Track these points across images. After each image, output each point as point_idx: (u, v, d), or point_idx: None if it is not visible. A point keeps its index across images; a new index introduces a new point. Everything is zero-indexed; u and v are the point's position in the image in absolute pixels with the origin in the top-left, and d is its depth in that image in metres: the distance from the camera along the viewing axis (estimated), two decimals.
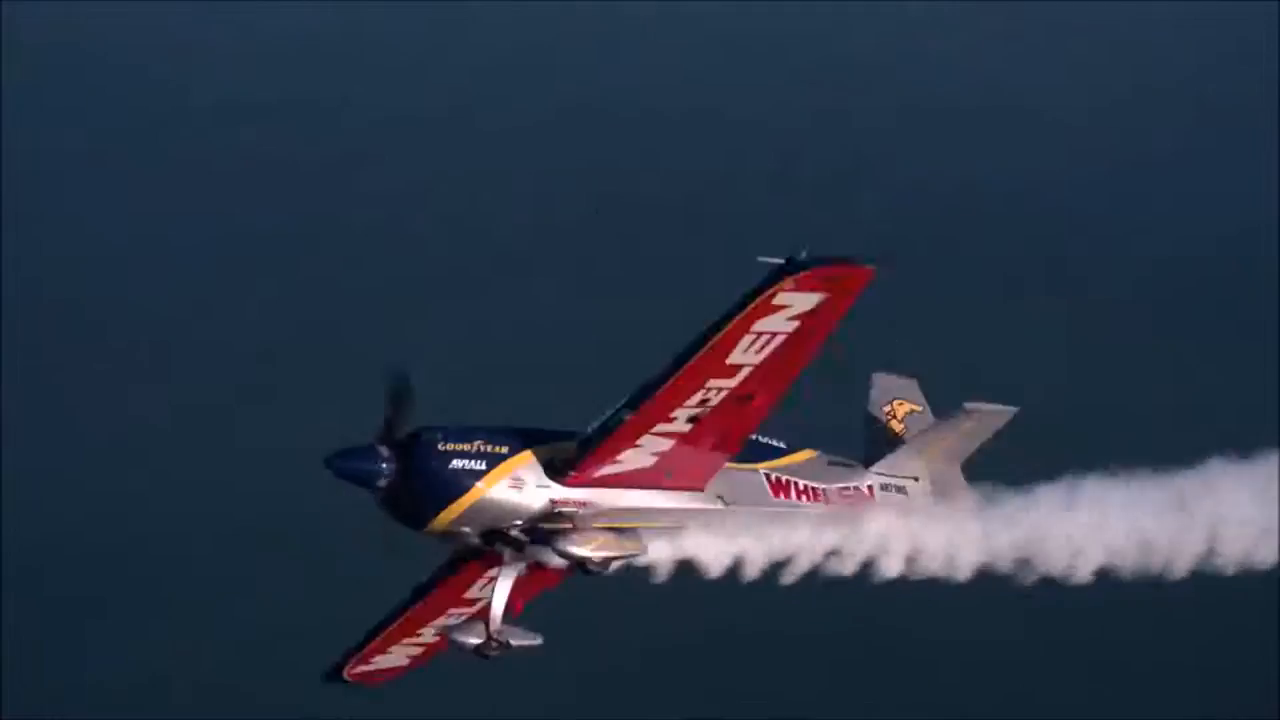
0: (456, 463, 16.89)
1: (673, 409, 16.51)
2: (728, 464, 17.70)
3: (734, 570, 18.15)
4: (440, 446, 16.97)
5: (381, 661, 20.98)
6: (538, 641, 19.09)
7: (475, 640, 18.85)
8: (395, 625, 20.11)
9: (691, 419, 16.55)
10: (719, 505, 17.60)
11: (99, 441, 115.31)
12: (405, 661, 21.24)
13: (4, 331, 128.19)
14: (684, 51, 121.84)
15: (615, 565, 17.37)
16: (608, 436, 16.89)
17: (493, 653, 18.83)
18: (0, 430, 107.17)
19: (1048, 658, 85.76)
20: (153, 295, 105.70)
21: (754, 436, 17.85)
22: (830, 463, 19.00)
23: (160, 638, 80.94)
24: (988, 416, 19.51)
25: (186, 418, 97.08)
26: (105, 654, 79.83)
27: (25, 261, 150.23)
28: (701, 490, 17.37)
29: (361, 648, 20.74)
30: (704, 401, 16.47)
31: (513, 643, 18.70)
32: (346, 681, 21.59)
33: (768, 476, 17.98)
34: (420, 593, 19.77)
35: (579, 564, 17.27)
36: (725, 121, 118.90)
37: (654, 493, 17.30)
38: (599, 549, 17.02)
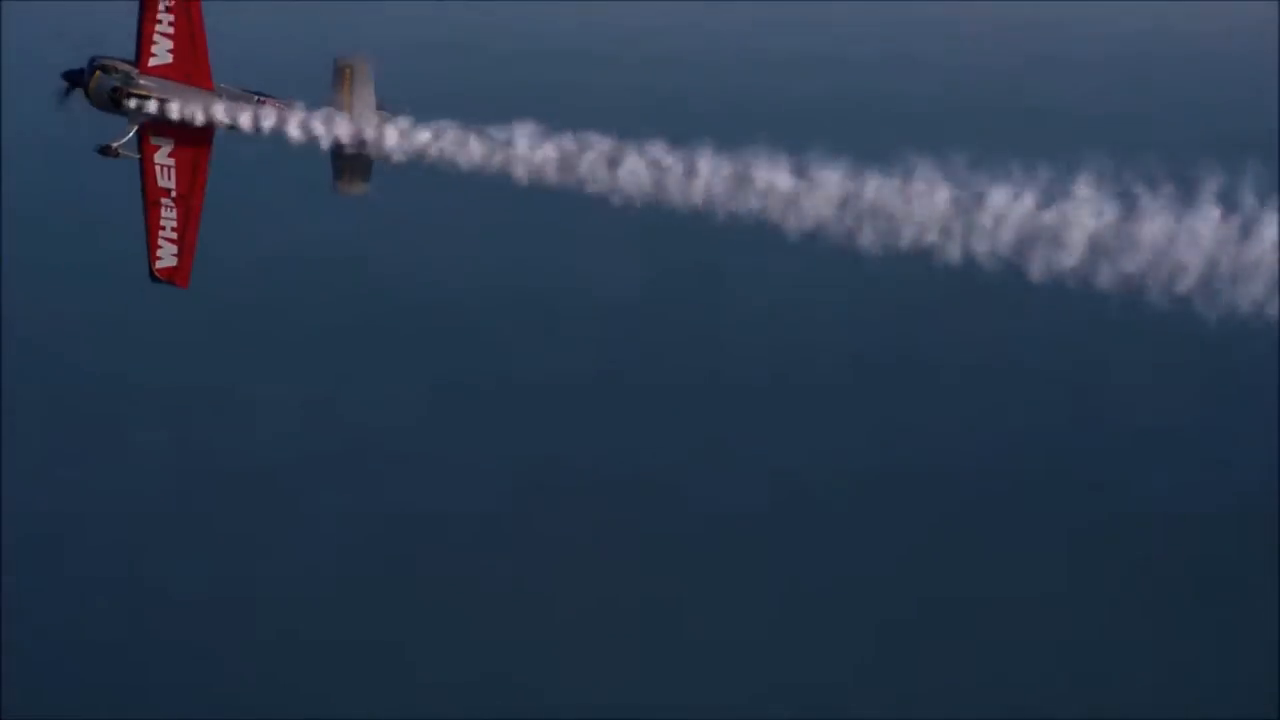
0: (93, 63, 31.15)
1: (158, 11, 30.58)
2: (241, 90, 31.72)
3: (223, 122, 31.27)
4: (91, 60, 31.20)
5: (164, 255, 32.26)
6: (132, 155, 31.89)
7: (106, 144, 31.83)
8: (148, 226, 32.12)
9: (168, 34, 30.63)
10: (222, 93, 31.63)
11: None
12: (174, 254, 32.25)
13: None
14: None
15: (172, 112, 31.02)
16: (140, 26, 31.01)
17: (110, 155, 31.60)
18: (0, 434, 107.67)
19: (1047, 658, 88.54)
20: None
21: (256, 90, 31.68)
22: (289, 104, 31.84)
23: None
24: (355, 62, 30.60)
25: None
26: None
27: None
28: (211, 89, 31.24)
29: (151, 252, 32.21)
30: (168, 8, 30.44)
31: (118, 148, 31.61)
32: (161, 280, 32.47)
33: (258, 101, 31.56)
34: (142, 198, 32.24)
35: (154, 114, 31.27)
36: None
37: (186, 87, 31.22)
38: (161, 104, 31.02)
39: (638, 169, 29.72)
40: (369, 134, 30.87)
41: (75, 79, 31.84)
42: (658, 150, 29.86)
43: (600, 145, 30.04)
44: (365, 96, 30.93)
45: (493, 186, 30.70)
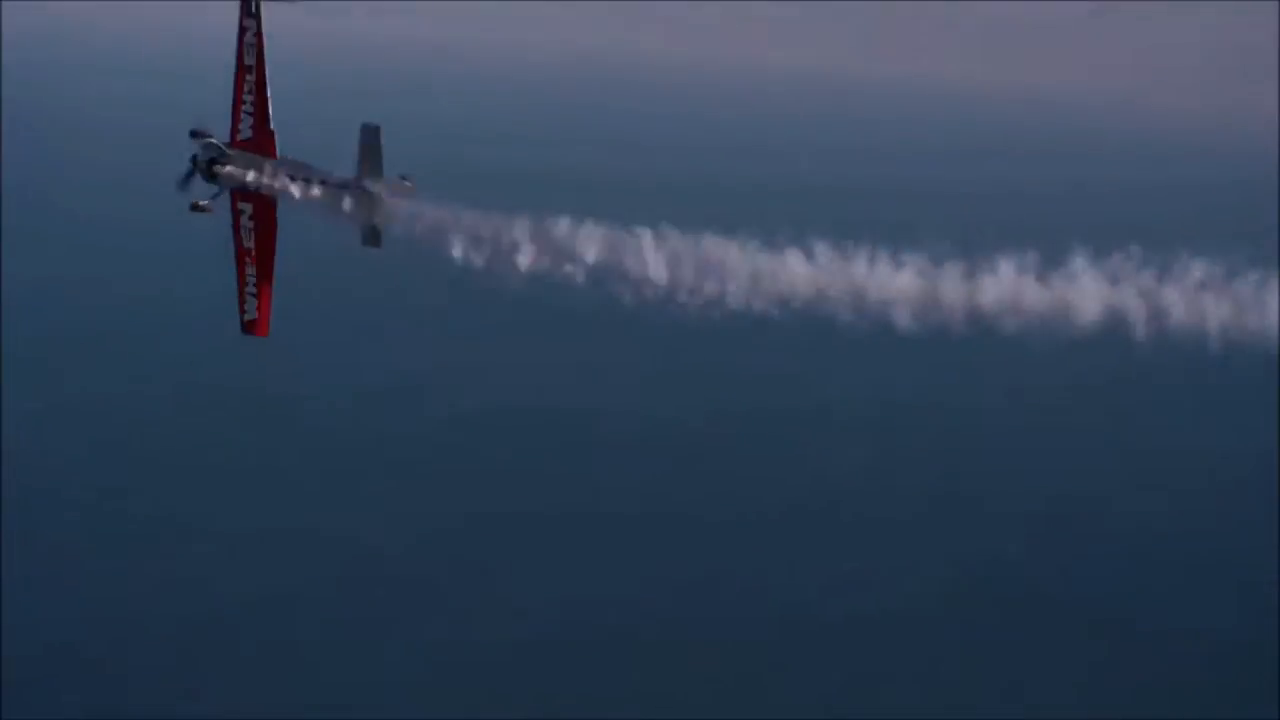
0: (198, 141, 36.23)
1: (243, 92, 35.84)
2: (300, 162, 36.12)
3: (287, 190, 35.86)
4: (192, 133, 36.19)
5: (249, 309, 37.19)
6: (213, 210, 36.42)
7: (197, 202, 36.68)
8: (237, 282, 37.32)
9: (249, 112, 35.83)
10: (283, 163, 36.23)
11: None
12: (258, 306, 37.24)
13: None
14: None
15: (251, 179, 35.89)
16: (233, 105, 36.03)
17: (196, 211, 36.29)
18: (1, 435, 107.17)
19: (1047, 659, 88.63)
20: None
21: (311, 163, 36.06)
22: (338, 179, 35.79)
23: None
24: (371, 129, 34.20)
25: None
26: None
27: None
28: (275, 157, 35.71)
29: (240, 306, 37.48)
30: (250, 94, 35.77)
31: (205, 205, 36.16)
32: (248, 331, 37.40)
33: (310, 175, 35.83)
34: (232, 259, 37.35)
35: (238, 182, 36.14)
36: None
37: (259, 155, 35.97)
38: (244, 172, 35.87)
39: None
40: (385, 200, 34.59)
41: (192, 160, 36.82)
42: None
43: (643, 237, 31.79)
44: (379, 166, 34.44)
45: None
